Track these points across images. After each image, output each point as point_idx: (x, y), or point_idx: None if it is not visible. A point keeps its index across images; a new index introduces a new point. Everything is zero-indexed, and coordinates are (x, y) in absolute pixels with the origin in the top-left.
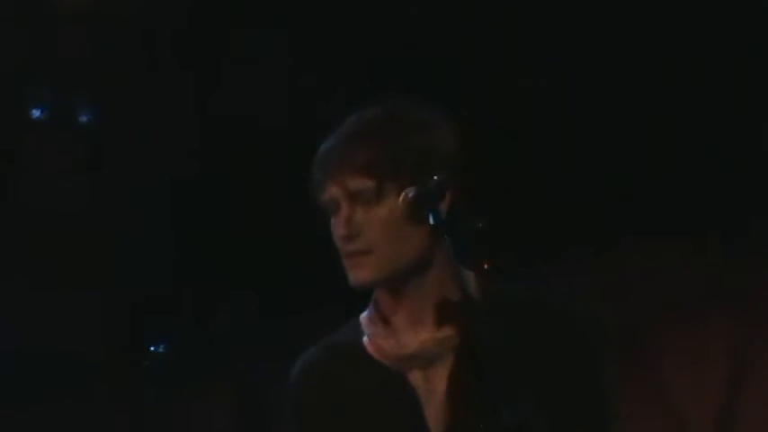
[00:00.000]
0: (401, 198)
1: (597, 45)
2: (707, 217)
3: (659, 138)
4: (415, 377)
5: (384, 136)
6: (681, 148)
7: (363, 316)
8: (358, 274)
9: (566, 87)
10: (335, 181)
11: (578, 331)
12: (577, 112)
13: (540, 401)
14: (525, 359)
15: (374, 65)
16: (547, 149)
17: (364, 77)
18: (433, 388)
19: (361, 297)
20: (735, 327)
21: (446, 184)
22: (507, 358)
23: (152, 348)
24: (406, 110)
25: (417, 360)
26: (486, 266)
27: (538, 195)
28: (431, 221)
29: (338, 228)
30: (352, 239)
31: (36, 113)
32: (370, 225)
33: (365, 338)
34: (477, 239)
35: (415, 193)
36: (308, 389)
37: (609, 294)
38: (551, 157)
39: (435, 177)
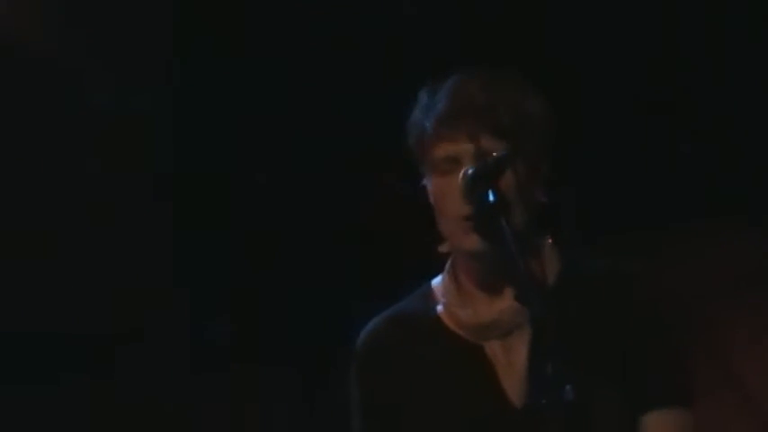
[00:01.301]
0: (460, 175)
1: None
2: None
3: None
4: (493, 348)
5: (514, 99)
6: (743, 130)
7: (436, 284)
8: (477, 239)
9: (633, 73)
10: (470, 137)
11: (656, 304)
12: (651, 94)
13: (611, 376)
14: (601, 333)
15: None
16: (618, 127)
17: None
18: (512, 359)
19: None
20: None
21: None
22: (582, 332)
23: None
24: (511, 75)
25: (495, 330)
26: (549, 240)
27: (605, 170)
28: (490, 199)
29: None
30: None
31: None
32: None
33: (439, 308)
34: (543, 214)
35: (474, 170)
36: (376, 359)
37: (670, 270)
38: (624, 135)
39: (495, 154)
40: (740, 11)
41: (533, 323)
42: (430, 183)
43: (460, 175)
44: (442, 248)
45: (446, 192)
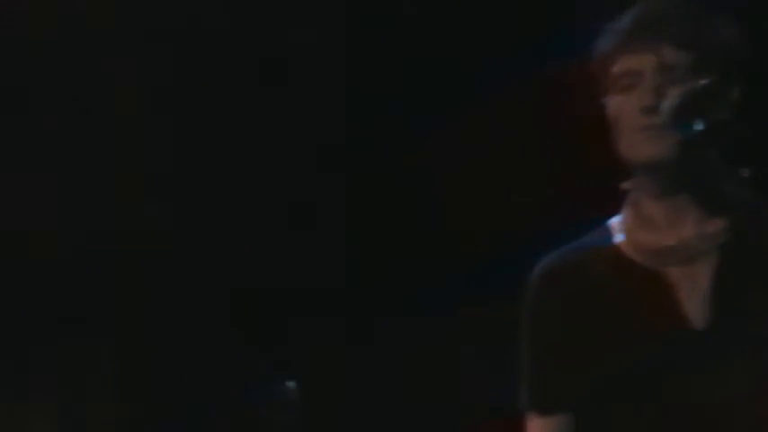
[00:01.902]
0: (663, 106)
1: None
2: None
3: None
4: (675, 274)
5: (700, 14)
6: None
7: (615, 218)
8: (655, 148)
9: None
10: (652, 48)
11: None
12: None
13: None
14: None
15: None
16: None
17: None
18: (696, 285)
19: None
20: None
21: (725, 87)
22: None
23: None
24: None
25: (678, 255)
26: (745, 175)
27: None
28: (695, 128)
29: (642, 98)
30: (657, 112)
31: None
32: None
33: (618, 236)
34: (739, 147)
35: (679, 99)
36: (550, 289)
37: None
38: None
39: (701, 82)
40: (740, 11)
41: (724, 250)
42: (609, 102)
43: (663, 105)
44: (625, 185)
45: (625, 108)
